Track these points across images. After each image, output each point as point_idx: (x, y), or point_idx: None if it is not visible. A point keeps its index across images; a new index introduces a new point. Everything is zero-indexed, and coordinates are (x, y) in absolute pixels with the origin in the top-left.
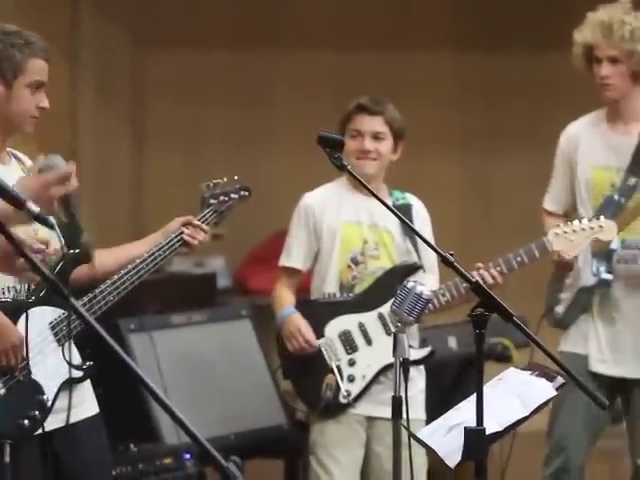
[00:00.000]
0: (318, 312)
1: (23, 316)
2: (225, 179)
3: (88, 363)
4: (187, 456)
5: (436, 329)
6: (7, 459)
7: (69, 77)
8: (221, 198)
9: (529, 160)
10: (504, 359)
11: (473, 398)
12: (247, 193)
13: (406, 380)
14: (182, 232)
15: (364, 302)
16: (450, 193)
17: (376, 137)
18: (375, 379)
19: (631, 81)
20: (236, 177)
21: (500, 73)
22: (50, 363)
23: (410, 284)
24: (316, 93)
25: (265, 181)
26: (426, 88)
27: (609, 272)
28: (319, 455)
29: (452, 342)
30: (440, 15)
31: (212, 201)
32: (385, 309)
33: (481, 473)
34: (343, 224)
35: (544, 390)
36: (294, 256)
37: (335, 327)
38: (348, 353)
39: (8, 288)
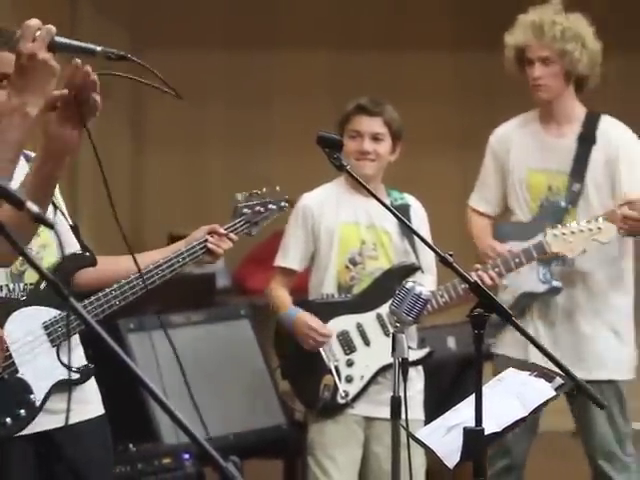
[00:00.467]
0: (316, 313)
1: (12, 315)
2: (265, 189)
3: (85, 365)
4: (186, 456)
5: (435, 329)
6: None
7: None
8: (257, 208)
9: None
10: None
11: (472, 398)
12: (287, 204)
13: (405, 380)
14: (206, 240)
15: (362, 303)
16: (450, 193)
17: (375, 138)
18: (373, 380)
19: (564, 81)
20: (278, 187)
21: (499, 73)
22: (41, 363)
23: (409, 284)
24: (314, 93)
25: (263, 181)
26: (425, 87)
27: (556, 279)
28: (317, 456)
29: (451, 342)
30: (439, 14)
31: (245, 210)
32: (383, 310)
33: (480, 473)
34: (341, 225)
35: (543, 391)
36: (291, 256)
37: (333, 327)
38: (346, 354)
39: (0, 287)
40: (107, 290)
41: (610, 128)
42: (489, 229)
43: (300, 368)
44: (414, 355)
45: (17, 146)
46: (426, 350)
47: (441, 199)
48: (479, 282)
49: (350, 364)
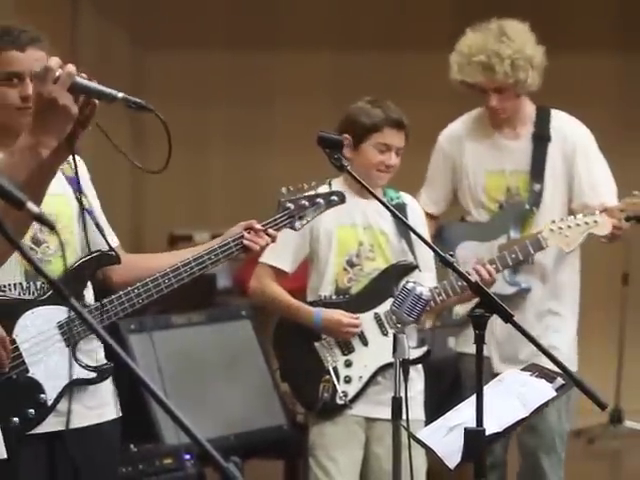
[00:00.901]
0: None
1: (24, 315)
2: (313, 183)
3: (103, 363)
4: (187, 457)
5: (435, 330)
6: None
7: None
8: (302, 202)
9: None
10: None
11: (473, 399)
12: (337, 198)
13: (406, 381)
14: (242, 236)
15: (360, 303)
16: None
17: (397, 152)
18: (372, 380)
19: (518, 98)
20: (328, 179)
21: None
22: (54, 363)
23: (410, 285)
24: (315, 93)
25: (264, 181)
26: (425, 87)
27: (524, 281)
28: (318, 457)
29: (452, 343)
30: (440, 14)
31: (289, 205)
32: (381, 309)
33: (481, 474)
34: (339, 227)
35: (544, 391)
36: (283, 257)
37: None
38: (344, 354)
39: (14, 285)
40: (129, 288)
41: (564, 124)
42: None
43: (299, 370)
44: (413, 354)
45: (24, 184)
46: (423, 349)
47: None
48: (476, 276)
49: (348, 365)
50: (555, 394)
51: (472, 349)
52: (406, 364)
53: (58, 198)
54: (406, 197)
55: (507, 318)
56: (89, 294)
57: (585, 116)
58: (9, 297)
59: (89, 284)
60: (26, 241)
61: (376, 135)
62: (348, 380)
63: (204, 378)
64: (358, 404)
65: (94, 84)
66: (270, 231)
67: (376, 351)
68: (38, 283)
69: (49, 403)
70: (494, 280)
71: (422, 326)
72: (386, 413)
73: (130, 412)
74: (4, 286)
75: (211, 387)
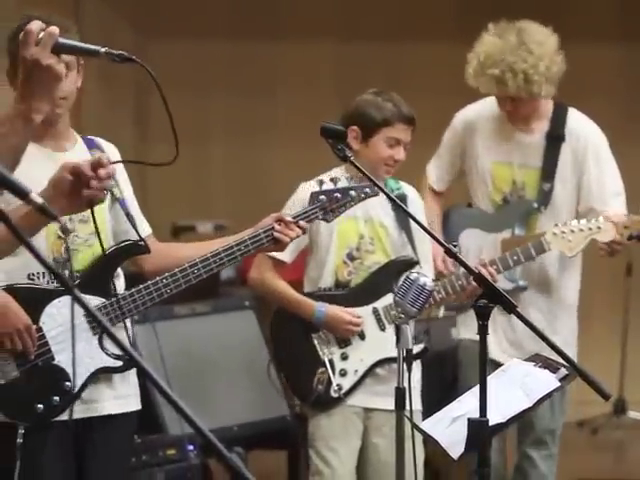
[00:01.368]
0: None
1: (51, 303)
2: (347, 176)
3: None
4: (190, 447)
5: (438, 320)
6: (19, 441)
7: None
8: (334, 195)
9: None
10: None
11: (476, 389)
12: (369, 191)
13: (409, 371)
14: (273, 228)
15: (358, 296)
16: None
17: (405, 147)
18: (368, 374)
19: (534, 102)
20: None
21: None
22: (80, 351)
23: (413, 275)
24: (318, 83)
25: (266, 171)
26: (429, 77)
27: (522, 278)
28: (318, 447)
29: (455, 333)
30: (444, 4)
31: (321, 197)
32: (380, 304)
33: (485, 464)
34: (340, 219)
35: (547, 381)
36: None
37: None
38: (341, 347)
39: (42, 273)
40: (158, 278)
41: (578, 125)
42: (440, 226)
43: (294, 361)
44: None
45: (17, 151)
46: (421, 346)
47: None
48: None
49: (345, 358)
50: (559, 384)
51: (472, 335)
52: (409, 355)
53: None
54: (407, 188)
55: (510, 309)
56: (120, 283)
57: (588, 108)
58: (37, 285)
59: (120, 273)
60: (54, 230)
61: (387, 129)
62: (343, 373)
63: (207, 369)
64: (356, 394)
65: (76, 42)
66: (301, 223)
67: (373, 346)
68: (66, 272)
69: (74, 390)
70: (496, 281)
71: (435, 314)
72: (384, 403)
73: None
74: (32, 275)
75: (214, 378)
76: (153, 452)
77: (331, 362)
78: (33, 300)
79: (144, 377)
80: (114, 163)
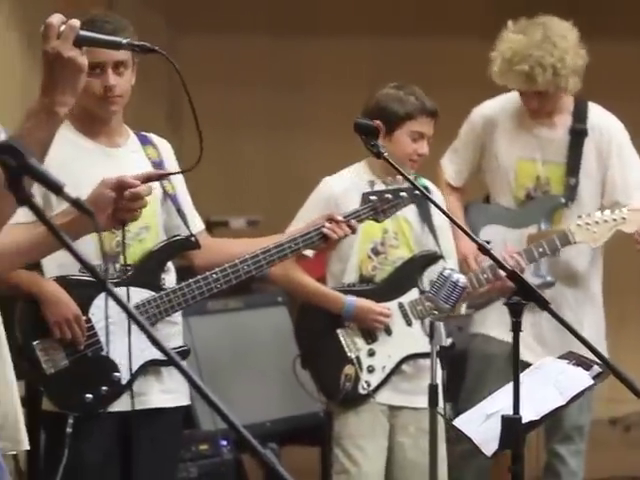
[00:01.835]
0: None
1: (100, 295)
2: (399, 177)
3: (180, 346)
4: (224, 442)
5: (468, 317)
6: (68, 431)
7: None
8: (385, 196)
9: None
10: None
11: (509, 387)
12: (419, 193)
13: (443, 368)
14: (323, 226)
15: (384, 292)
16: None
17: (428, 140)
18: (396, 370)
19: (558, 97)
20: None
21: None
22: (130, 343)
23: (447, 272)
24: (354, 78)
25: (299, 166)
26: (463, 74)
27: (549, 273)
28: (345, 445)
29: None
30: (476, 1)
31: (373, 198)
32: (405, 299)
33: (518, 461)
34: None
35: (581, 379)
36: None
37: None
38: (368, 343)
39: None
40: (208, 273)
41: (600, 120)
42: (463, 220)
43: (320, 358)
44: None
45: (43, 145)
46: (449, 340)
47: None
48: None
49: (371, 354)
50: (592, 382)
51: (488, 331)
52: (443, 352)
53: None
54: (427, 183)
55: (544, 306)
56: (170, 277)
57: (610, 103)
58: (87, 277)
59: (171, 267)
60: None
61: (410, 123)
62: (371, 370)
63: (240, 364)
64: (382, 392)
65: (98, 35)
66: (352, 222)
67: (400, 341)
68: (117, 265)
69: (123, 382)
70: (523, 270)
71: (458, 312)
72: (410, 401)
73: None
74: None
75: (246, 373)
76: (186, 447)
77: (358, 359)
78: (83, 291)
79: (178, 372)
80: (136, 180)
